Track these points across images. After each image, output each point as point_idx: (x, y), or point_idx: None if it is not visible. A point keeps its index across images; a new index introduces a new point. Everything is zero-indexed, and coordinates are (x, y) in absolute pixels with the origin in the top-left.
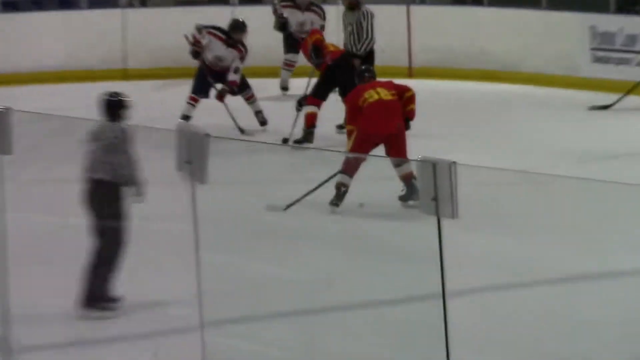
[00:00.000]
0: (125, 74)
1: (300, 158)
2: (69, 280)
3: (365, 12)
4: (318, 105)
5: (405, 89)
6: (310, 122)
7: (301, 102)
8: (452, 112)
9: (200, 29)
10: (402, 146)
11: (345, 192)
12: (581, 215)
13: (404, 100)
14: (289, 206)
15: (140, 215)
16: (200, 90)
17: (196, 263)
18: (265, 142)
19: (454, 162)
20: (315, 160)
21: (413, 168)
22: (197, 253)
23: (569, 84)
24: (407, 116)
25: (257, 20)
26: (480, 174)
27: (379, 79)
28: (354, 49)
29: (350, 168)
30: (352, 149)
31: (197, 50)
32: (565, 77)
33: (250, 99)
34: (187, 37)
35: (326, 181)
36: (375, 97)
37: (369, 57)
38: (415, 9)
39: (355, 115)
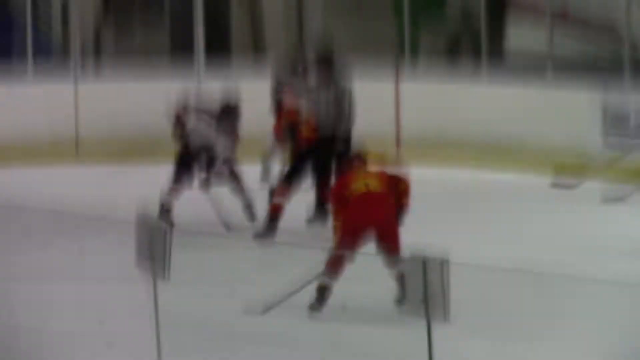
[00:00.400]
0: (78, 155)
1: (272, 255)
2: None
3: (343, 89)
4: (287, 196)
5: (399, 180)
6: (275, 214)
7: (272, 193)
8: (446, 202)
9: (187, 108)
10: (394, 243)
11: (328, 295)
12: (589, 320)
13: (398, 193)
14: (268, 309)
15: (96, 315)
16: (182, 180)
17: None
18: (234, 237)
19: (447, 259)
20: (288, 257)
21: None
22: (159, 358)
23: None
24: (400, 210)
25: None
26: (475, 272)
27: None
28: (331, 131)
29: (334, 268)
30: (337, 247)
31: (180, 133)
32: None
33: (240, 190)
34: (168, 116)
35: (309, 282)
36: (363, 189)
37: (347, 139)
38: (406, 87)
39: (341, 210)
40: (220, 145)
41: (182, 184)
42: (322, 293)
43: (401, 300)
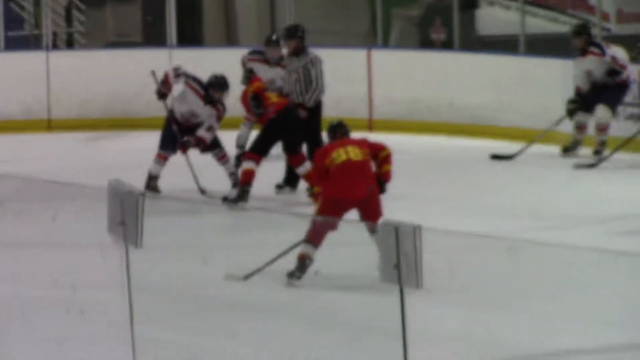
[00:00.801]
0: (49, 125)
1: (243, 220)
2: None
3: (312, 58)
4: (257, 162)
5: (380, 147)
6: (246, 180)
7: (239, 158)
8: (418, 169)
9: (178, 73)
10: (376, 211)
11: (309, 264)
12: (559, 286)
13: (379, 160)
14: (249, 275)
15: (68, 282)
16: (168, 146)
17: (131, 337)
18: (206, 202)
19: (419, 226)
20: (259, 223)
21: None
22: (131, 326)
23: (549, 140)
24: (382, 179)
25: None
26: (447, 238)
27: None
28: (300, 99)
29: (315, 237)
30: (319, 215)
31: (164, 92)
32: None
33: (222, 159)
34: (154, 74)
35: (291, 249)
36: (344, 157)
37: (316, 108)
38: (377, 54)
39: (322, 177)
40: (205, 114)
41: (169, 151)
42: (303, 262)
43: None
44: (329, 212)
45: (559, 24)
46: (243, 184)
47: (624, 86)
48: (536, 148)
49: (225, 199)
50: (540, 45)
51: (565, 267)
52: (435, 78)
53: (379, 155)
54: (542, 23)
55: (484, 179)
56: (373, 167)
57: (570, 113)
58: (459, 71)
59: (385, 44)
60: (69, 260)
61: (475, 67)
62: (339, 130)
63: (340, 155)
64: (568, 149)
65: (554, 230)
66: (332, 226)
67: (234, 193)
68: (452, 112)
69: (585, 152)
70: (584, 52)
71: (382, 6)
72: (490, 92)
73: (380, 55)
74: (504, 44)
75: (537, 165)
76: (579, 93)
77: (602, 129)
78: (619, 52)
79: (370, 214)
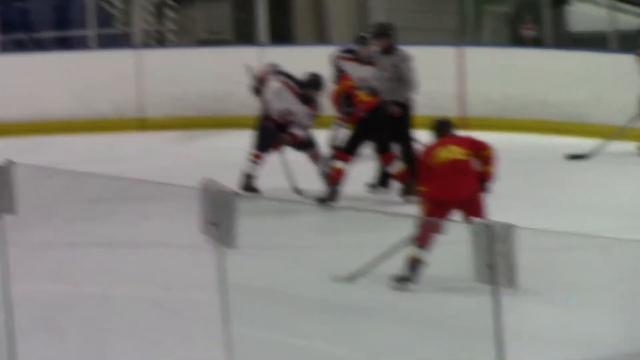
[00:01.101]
0: (142, 124)
1: (336, 220)
2: (81, 354)
3: (403, 56)
4: (348, 161)
5: (483, 146)
6: (336, 179)
7: (331, 158)
8: (510, 168)
9: (274, 70)
10: (478, 212)
11: (420, 267)
12: None
13: (482, 160)
14: (354, 277)
15: (162, 282)
16: (262, 145)
17: (226, 338)
18: (298, 202)
19: (512, 225)
20: (352, 222)
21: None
22: (226, 326)
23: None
24: (484, 178)
25: (290, 64)
26: (541, 237)
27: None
28: (391, 97)
29: (424, 239)
30: (425, 217)
31: (259, 88)
32: None
33: (315, 158)
34: (249, 68)
35: (395, 251)
36: (447, 156)
37: (407, 106)
38: (468, 51)
39: (425, 176)
40: (300, 113)
41: (263, 151)
42: (415, 265)
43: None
44: (433, 212)
45: None
46: (333, 183)
47: None
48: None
49: (319, 201)
50: (631, 41)
51: None
52: (526, 75)
53: (482, 154)
54: (633, 19)
55: (575, 177)
56: (476, 165)
57: None
58: (551, 68)
59: (476, 41)
60: (162, 260)
61: (566, 63)
62: (443, 127)
63: (443, 154)
64: None
65: None
66: (438, 229)
67: (293, 187)
68: (544, 110)
69: None
70: None
71: (472, 3)
72: (582, 89)
73: (472, 53)
74: (594, 41)
75: (626, 164)
76: None
77: None
78: None
79: (473, 214)
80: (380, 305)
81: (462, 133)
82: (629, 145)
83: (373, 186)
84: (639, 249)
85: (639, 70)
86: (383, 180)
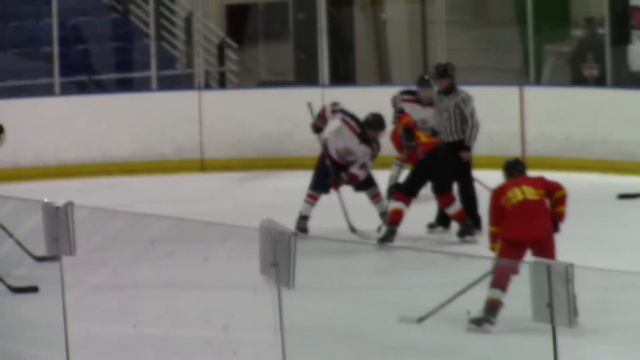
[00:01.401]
0: (203, 165)
1: (395, 259)
2: None
3: (464, 97)
4: (407, 202)
5: (557, 187)
6: (394, 220)
7: (392, 192)
8: (571, 207)
9: (335, 108)
10: (551, 252)
11: (499, 308)
12: None
13: (554, 201)
14: (423, 318)
15: (221, 323)
16: (319, 186)
17: None
18: (357, 242)
19: (571, 264)
20: (411, 262)
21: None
22: None
23: None
24: (556, 218)
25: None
26: (601, 277)
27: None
28: (451, 138)
29: (501, 280)
30: (500, 258)
31: (319, 126)
32: None
33: (375, 198)
34: (310, 106)
35: (466, 290)
36: (520, 197)
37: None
38: (530, 91)
39: (498, 217)
40: (360, 152)
41: (320, 191)
42: (494, 307)
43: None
44: (508, 253)
45: None
46: (391, 224)
47: None
48: None
49: (377, 240)
50: None
51: None
52: (588, 114)
53: (555, 195)
54: None
55: (635, 217)
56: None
57: None
58: (612, 107)
59: (538, 81)
60: (221, 301)
61: (628, 103)
62: (516, 168)
63: (516, 194)
64: None
65: None
66: (515, 270)
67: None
68: (606, 149)
69: None
70: None
71: (534, 42)
72: None
73: (533, 92)
74: None
75: None
76: None
77: None
78: None
79: (545, 254)
80: (448, 346)
81: (532, 173)
82: None
83: (432, 226)
84: None
85: None
86: (443, 219)
